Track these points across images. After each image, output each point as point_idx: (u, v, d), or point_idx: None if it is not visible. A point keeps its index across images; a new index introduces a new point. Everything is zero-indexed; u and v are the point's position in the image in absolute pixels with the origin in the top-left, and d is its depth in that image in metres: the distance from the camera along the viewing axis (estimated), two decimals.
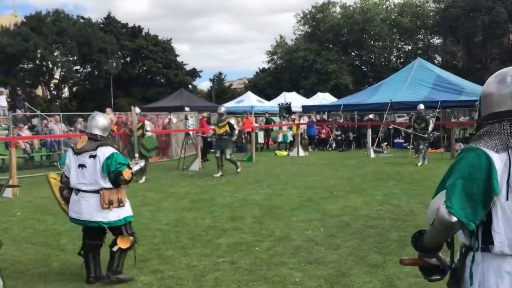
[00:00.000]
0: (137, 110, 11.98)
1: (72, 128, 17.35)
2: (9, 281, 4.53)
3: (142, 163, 5.19)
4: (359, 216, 7.29)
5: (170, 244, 5.97)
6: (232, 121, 12.50)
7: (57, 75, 47.35)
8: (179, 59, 57.65)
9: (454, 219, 1.98)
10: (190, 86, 56.18)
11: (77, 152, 4.59)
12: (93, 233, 4.71)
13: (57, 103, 47.30)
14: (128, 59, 54.03)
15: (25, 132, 15.23)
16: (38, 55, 42.44)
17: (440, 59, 53.16)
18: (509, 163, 2.01)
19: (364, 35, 52.22)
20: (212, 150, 20.34)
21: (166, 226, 6.94)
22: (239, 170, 12.61)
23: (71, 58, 46.21)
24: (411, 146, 16.96)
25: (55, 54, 44.65)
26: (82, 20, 47.27)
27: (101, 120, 4.75)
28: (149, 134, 11.88)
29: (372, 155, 16.59)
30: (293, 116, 23.54)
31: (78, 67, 49.08)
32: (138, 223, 7.18)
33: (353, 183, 10.55)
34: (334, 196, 9.14)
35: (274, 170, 13.63)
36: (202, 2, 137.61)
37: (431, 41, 54.25)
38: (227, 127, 12.27)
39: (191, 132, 16.48)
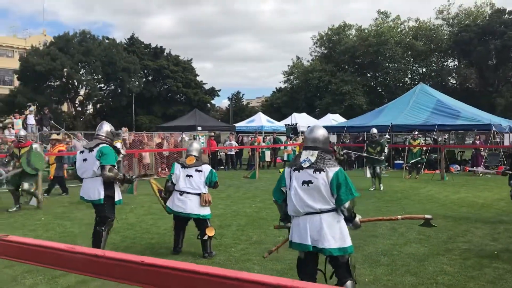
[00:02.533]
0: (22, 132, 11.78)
1: None
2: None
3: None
4: None
5: (164, 244, 7.31)
6: (118, 145, 11.31)
7: (82, 93, 49.51)
8: (201, 76, 59.89)
9: (273, 199, 4.59)
10: (208, 105, 58.03)
11: (185, 167, 6.78)
12: (183, 221, 6.89)
13: (81, 119, 49.53)
14: (150, 78, 56.17)
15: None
16: (65, 74, 44.61)
17: (454, 82, 53.92)
18: (290, 174, 4.30)
19: (379, 57, 53.37)
20: (221, 167, 21.88)
21: (163, 231, 8.28)
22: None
23: (95, 77, 48.36)
24: (406, 166, 18.10)
25: (81, 72, 46.84)
26: (107, 41, 49.53)
27: (196, 146, 7.18)
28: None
29: (368, 175, 17.68)
30: (301, 137, 24.84)
31: (102, 85, 51.23)
32: (141, 228, 8.61)
33: None
34: None
35: (273, 186, 14.84)
36: (226, 20, 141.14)
37: (444, 64, 55.09)
38: None
39: None
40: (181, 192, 6.66)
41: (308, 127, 4.64)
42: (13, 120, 22.30)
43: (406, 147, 18.22)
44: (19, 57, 49.30)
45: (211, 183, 6.81)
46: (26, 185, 10.80)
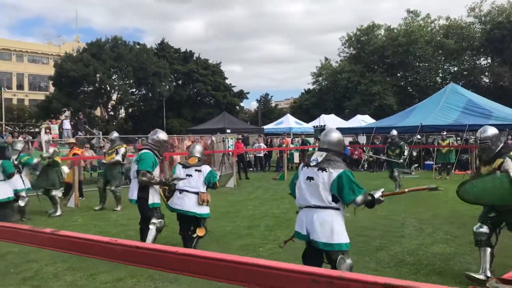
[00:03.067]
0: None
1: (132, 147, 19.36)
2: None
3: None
4: (357, 227, 8.58)
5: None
6: (121, 150, 11.42)
7: (114, 97, 50.64)
8: (230, 79, 60.35)
9: (289, 191, 4.98)
10: (237, 107, 58.49)
11: (186, 167, 7.07)
12: (186, 220, 7.09)
13: (114, 123, 50.66)
14: (179, 82, 56.99)
15: (88, 152, 17.39)
16: (97, 79, 45.76)
17: (487, 81, 52.74)
18: (301, 169, 4.66)
19: (409, 57, 52.65)
20: (250, 169, 22.12)
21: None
22: (118, 208, 11.18)
23: (127, 82, 49.38)
24: (436, 167, 17.97)
25: (113, 78, 47.94)
26: (138, 46, 50.54)
27: (198, 148, 7.49)
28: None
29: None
30: None
31: (133, 90, 52.24)
32: (172, 229, 8.89)
33: None
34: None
35: None
36: (254, 23, 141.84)
37: (477, 62, 53.93)
38: (113, 156, 11.48)
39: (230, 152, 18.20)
40: (181, 191, 6.94)
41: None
42: (49, 125, 23.16)
43: (436, 148, 18.10)
44: (53, 64, 50.90)
45: (209, 183, 7.05)
46: (53, 191, 10.70)
